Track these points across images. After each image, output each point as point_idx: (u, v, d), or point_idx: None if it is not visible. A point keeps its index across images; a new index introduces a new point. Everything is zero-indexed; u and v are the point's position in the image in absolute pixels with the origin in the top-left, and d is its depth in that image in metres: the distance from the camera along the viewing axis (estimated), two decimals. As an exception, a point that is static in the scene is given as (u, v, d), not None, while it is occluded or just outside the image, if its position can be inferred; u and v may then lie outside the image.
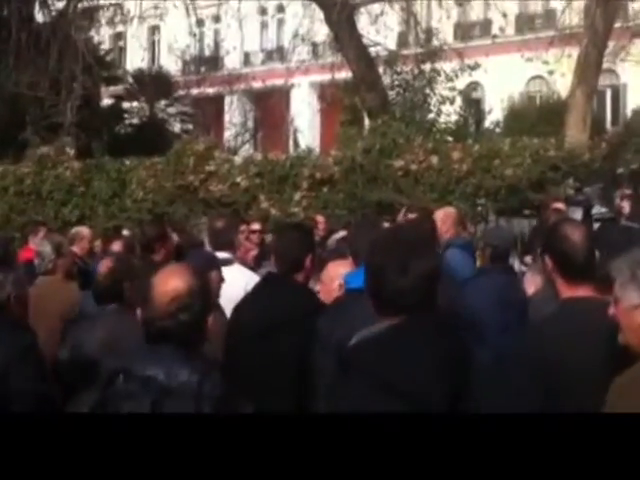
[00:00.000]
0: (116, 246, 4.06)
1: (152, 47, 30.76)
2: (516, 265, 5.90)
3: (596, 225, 6.61)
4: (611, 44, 14.16)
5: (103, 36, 23.37)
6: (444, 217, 5.49)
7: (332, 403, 1.82)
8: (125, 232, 6.92)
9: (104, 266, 3.41)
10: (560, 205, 6.80)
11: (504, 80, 21.74)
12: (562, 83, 15.71)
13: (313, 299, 3.36)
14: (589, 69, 12.29)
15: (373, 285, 1.83)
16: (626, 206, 6.63)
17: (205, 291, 1.94)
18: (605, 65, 13.96)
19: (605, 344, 2.41)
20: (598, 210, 6.96)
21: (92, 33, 19.51)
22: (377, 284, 1.81)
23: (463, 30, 24.56)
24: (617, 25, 14.02)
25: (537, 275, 2.73)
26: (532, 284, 2.90)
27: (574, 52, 13.36)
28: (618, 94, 23.01)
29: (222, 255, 4.05)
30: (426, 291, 1.78)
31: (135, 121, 23.40)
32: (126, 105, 23.76)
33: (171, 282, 1.90)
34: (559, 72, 16.45)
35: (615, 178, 8.21)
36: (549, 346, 2.41)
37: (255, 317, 3.21)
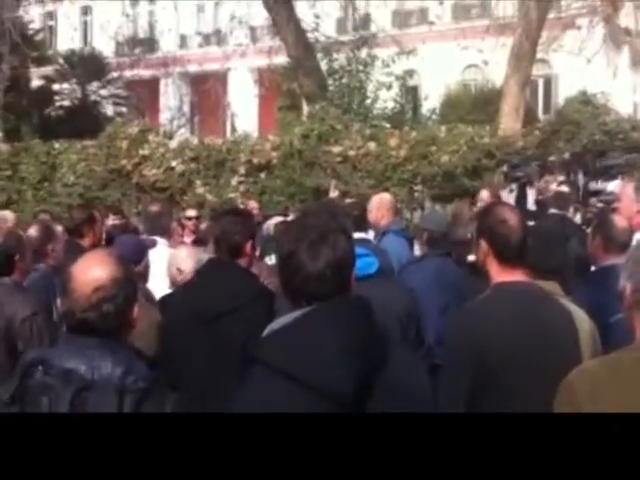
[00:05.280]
0: (32, 230, 3.97)
1: (84, 27, 29.88)
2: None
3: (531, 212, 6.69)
4: (544, 34, 14.41)
5: (32, 15, 22.59)
6: (379, 204, 5.50)
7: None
8: (42, 216, 6.77)
9: None
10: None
11: (440, 68, 21.96)
12: (497, 72, 15.93)
13: (258, 285, 3.28)
14: (523, 59, 12.50)
15: (284, 273, 1.74)
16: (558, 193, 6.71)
17: (129, 280, 1.85)
18: (538, 55, 14.21)
19: (537, 327, 2.43)
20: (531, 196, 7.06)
21: (21, 12, 18.81)
22: (288, 272, 1.73)
23: (400, 17, 24.69)
24: (550, 16, 14.27)
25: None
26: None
27: (508, 42, 13.56)
28: (550, 84, 23.53)
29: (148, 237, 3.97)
30: (338, 278, 1.71)
31: (66, 103, 22.77)
32: (56, 87, 23.10)
33: (93, 271, 1.80)
34: (494, 61, 16.67)
35: (547, 165, 8.36)
36: (481, 327, 2.41)
37: (199, 304, 3.11)
